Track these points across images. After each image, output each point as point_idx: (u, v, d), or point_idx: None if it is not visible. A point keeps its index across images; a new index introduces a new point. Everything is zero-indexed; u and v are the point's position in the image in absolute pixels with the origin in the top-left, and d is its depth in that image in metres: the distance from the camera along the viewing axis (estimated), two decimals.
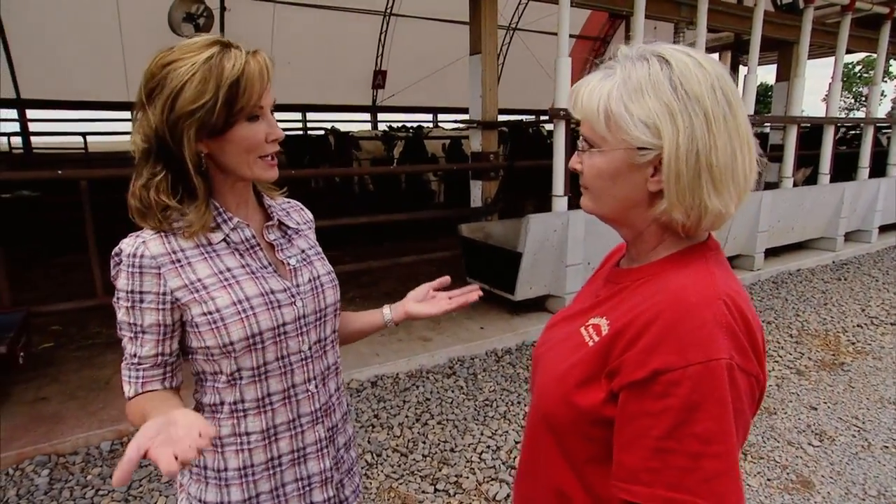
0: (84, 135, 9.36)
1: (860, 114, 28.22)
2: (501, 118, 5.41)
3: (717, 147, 0.67)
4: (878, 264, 6.40)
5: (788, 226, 6.18)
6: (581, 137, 0.77)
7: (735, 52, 8.96)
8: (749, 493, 2.48)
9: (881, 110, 9.09)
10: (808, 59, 6.25)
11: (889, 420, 3.06)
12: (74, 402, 2.97)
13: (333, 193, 8.13)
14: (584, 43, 14.28)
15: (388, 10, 11.34)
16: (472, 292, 1.15)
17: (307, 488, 1.01)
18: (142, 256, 0.87)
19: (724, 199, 0.69)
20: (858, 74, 30.91)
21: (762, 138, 8.09)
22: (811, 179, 7.55)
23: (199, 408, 0.99)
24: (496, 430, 2.90)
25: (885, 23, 6.81)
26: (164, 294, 0.88)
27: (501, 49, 12.70)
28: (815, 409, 3.19)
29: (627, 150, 0.70)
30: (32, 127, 9.84)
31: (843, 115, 23.06)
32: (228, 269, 0.92)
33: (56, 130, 10.14)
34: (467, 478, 2.52)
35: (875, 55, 7.32)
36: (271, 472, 0.97)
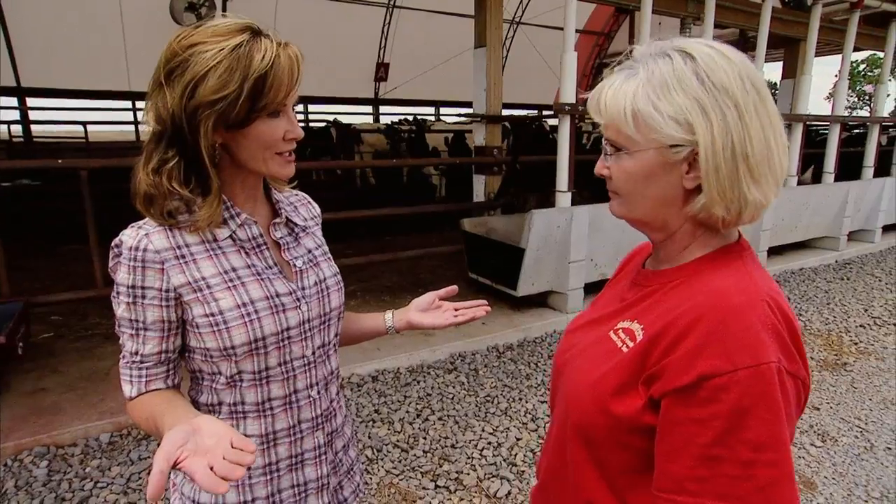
0: (84, 124, 9.32)
1: (864, 112, 28.18)
2: (504, 112, 5.37)
3: (752, 137, 0.65)
4: (882, 264, 6.38)
5: (792, 224, 6.16)
6: (605, 142, 0.74)
7: (741, 48, 8.90)
8: None
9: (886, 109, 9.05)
10: (814, 56, 6.21)
11: (892, 421, 3.05)
12: (74, 394, 2.95)
13: (335, 186, 8.09)
14: (589, 38, 14.21)
15: (392, 3, 11.27)
16: (479, 307, 1.11)
17: (303, 495, 0.98)
18: (144, 250, 0.82)
19: (762, 189, 0.67)
20: (863, 73, 30.77)
21: None
22: (815, 178, 7.52)
23: (195, 407, 0.95)
24: (497, 427, 2.89)
25: (894, 21, 6.76)
26: (167, 290, 0.84)
27: (504, 43, 12.62)
28: (818, 409, 3.18)
29: (659, 149, 0.68)
30: (32, 115, 9.79)
31: (847, 114, 22.96)
32: (234, 269, 0.88)
33: (56, 119, 10.09)
34: (468, 474, 2.51)
35: (880, 53, 7.27)
36: (268, 477, 0.94)
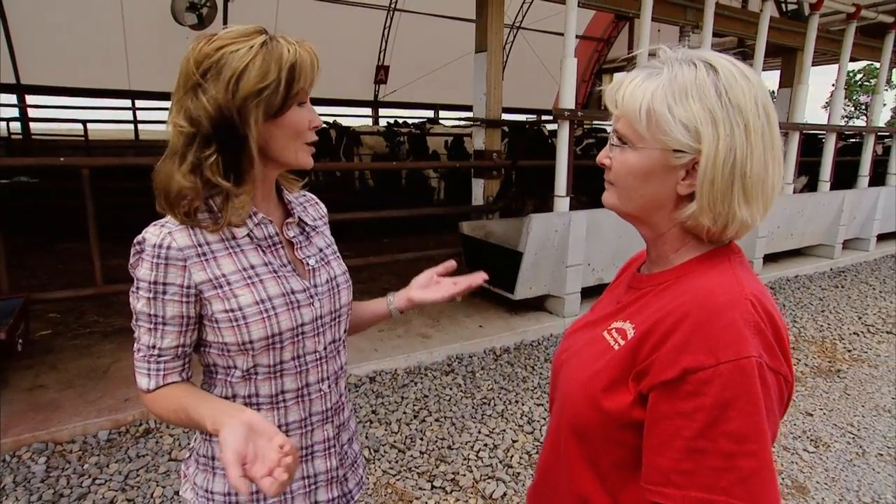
0: (84, 122, 9.32)
1: (860, 122, 28.34)
2: (503, 117, 5.40)
3: (753, 158, 0.68)
4: (876, 273, 6.43)
5: (787, 232, 6.21)
6: (614, 133, 0.77)
7: (738, 57, 8.97)
8: None
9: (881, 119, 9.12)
10: (811, 66, 6.26)
11: (884, 428, 3.08)
12: (72, 391, 2.96)
13: (334, 188, 8.11)
14: (588, 44, 14.29)
15: (393, 5, 11.32)
16: (477, 277, 1.14)
17: (312, 486, 1.01)
18: (168, 248, 0.86)
19: (752, 209, 0.70)
20: (859, 83, 30.96)
21: None
22: (810, 187, 7.58)
23: None
24: (493, 429, 2.91)
25: (890, 32, 6.84)
26: (189, 287, 0.87)
27: (504, 47, 12.67)
28: (811, 415, 3.21)
29: (664, 151, 0.71)
30: (32, 113, 9.78)
31: (843, 124, 23.10)
32: (252, 267, 0.91)
33: (56, 117, 10.08)
34: (464, 475, 2.53)
35: (877, 63, 7.34)
36: None
